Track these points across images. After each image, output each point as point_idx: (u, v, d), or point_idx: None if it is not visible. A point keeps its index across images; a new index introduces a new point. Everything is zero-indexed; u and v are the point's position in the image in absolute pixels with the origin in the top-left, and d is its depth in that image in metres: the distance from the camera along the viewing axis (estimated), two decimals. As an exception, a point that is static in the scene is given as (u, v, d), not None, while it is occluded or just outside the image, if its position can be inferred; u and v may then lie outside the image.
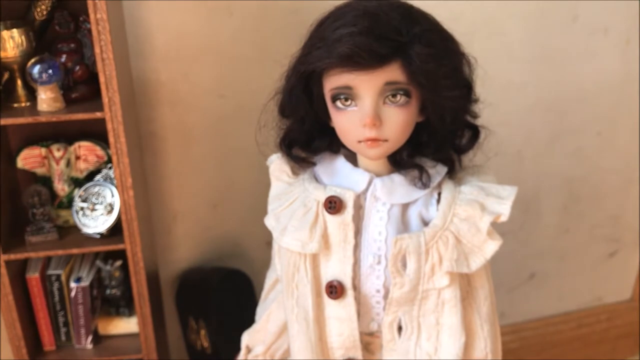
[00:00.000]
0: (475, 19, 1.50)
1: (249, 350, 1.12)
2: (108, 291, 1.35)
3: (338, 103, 0.84)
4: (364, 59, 0.78)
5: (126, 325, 1.38)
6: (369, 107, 0.82)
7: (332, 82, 0.83)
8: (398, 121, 0.83)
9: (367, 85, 0.81)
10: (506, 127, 1.62)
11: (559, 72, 1.61)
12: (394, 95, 0.82)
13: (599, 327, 1.97)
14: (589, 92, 1.66)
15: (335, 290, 0.91)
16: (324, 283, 0.92)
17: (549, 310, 1.93)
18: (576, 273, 1.90)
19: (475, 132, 0.93)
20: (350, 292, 0.91)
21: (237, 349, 1.15)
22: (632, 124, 1.74)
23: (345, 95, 0.83)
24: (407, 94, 0.82)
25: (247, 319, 1.16)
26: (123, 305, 1.37)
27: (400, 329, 0.93)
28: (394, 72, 0.80)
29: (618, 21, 1.59)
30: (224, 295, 1.49)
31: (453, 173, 0.93)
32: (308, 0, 1.21)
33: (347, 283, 0.90)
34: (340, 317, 0.93)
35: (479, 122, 0.94)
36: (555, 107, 1.65)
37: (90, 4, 1.03)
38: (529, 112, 1.64)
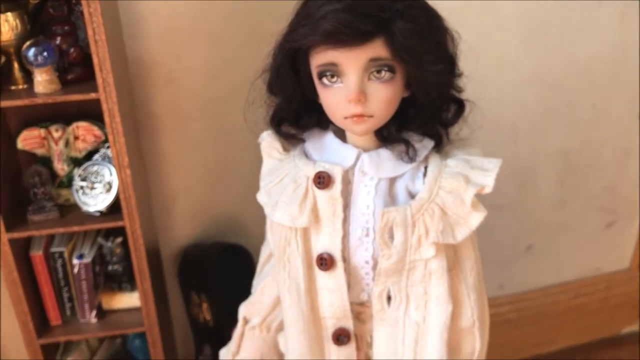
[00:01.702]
0: None
1: (246, 321, 1.14)
2: (110, 267, 1.38)
3: (324, 80, 0.85)
4: (347, 35, 0.79)
5: (129, 299, 1.41)
6: (353, 83, 0.83)
7: (318, 59, 0.84)
8: (383, 97, 0.84)
9: (351, 61, 0.82)
10: (501, 101, 1.64)
11: (553, 46, 1.61)
12: (378, 71, 0.83)
13: (597, 297, 1.99)
14: (584, 65, 1.65)
15: (325, 262, 0.93)
16: (314, 255, 0.94)
17: (547, 281, 1.94)
18: (574, 244, 1.91)
19: (460, 106, 0.93)
20: (340, 264, 0.93)
21: (237, 320, 1.17)
22: (626, 96, 1.74)
23: (331, 72, 0.84)
24: (391, 69, 0.83)
25: (247, 292, 1.18)
26: (125, 280, 1.40)
27: (389, 298, 0.94)
28: (377, 49, 0.81)
29: None
30: (224, 269, 1.52)
31: (440, 147, 0.94)
32: None
33: (337, 255, 0.92)
34: (331, 288, 0.95)
35: (463, 95, 0.94)
36: (549, 80, 1.65)
37: None
38: (524, 86, 1.64)
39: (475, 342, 0.98)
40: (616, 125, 1.77)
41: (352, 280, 0.95)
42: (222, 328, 1.51)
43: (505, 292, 1.91)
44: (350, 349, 0.99)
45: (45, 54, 1.12)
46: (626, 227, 1.95)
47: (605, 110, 1.74)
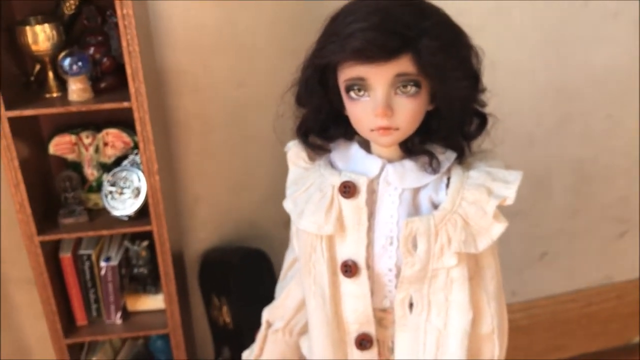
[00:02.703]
0: (485, 4, 1.51)
1: (269, 325, 1.16)
2: (135, 270, 1.42)
3: (352, 93, 0.88)
4: (375, 53, 0.82)
5: (153, 302, 1.44)
6: (380, 98, 0.85)
7: (346, 74, 0.87)
8: (408, 110, 0.87)
9: (378, 77, 0.84)
10: (517, 110, 1.65)
11: (569, 56, 1.62)
12: (404, 86, 0.85)
13: (609, 305, 1.98)
14: (599, 76, 1.66)
15: (349, 269, 0.95)
16: (339, 262, 0.96)
17: (560, 288, 1.94)
18: (586, 252, 1.91)
19: (483, 119, 0.96)
20: (364, 271, 0.95)
21: (257, 324, 1.19)
22: None
23: (358, 86, 0.86)
24: (417, 84, 0.86)
25: (267, 296, 1.20)
26: (150, 283, 1.43)
27: (411, 305, 0.97)
28: (404, 64, 0.84)
29: (628, 5, 1.59)
30: (244, 273, 1.54)
31: (462, 159, 0.96)
32: None
33: (361, 262, 0.95)
34: (355, 294, 0.97)
35: (486, 110, 0.97)
36: (565, 90, 1.66)
37: (117, 2, 1.08)
38: (540, 95, 1.65)
39: (494, 349, 1.01)
40: (631, 135, 1.78)
41: (375, 287, 0.98)
42: (242, 331, 1.53)
43: (518, 299, 1.92)
44: (372, 354, 1.01)
45: (79, 63, 1.16)
46: (638, 238, 1.94)
47: (621, 120, 1.75)
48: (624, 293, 1.99)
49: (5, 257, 1.56)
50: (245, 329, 1.50)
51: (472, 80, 0.91)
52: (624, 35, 1.63)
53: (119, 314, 1.42)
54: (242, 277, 1.54)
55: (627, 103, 1.73)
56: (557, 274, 1.92)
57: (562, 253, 1.90)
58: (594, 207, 1.85)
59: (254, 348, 1.19)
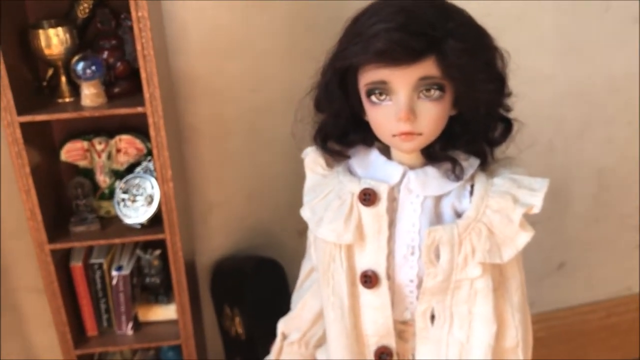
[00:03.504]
0: (507, 11, 1.51)
1: (284, 336, 1.15)
2: (147, 279, 1.41)
3: (373, 97, 0.86)
4: (400, 54, 0.80)
5: (165, 312, 1.43)
6: (403, 102, 0.84)
7: (368, 77, 0.85)
8: (432, 115, 0.85)
9: (401, 80, 0.83)
10: (537, 117, 1.62)
11: (590, 63, 1.63)
12: (428, 90, 0.84)
13: (629, 317, 1.97)
14: (620, 83, 1.66)
15: (369, 279, 0.93)
16: (358, 273, 0.95)
17: (578, 299, 1.94)
18: (605, 263, 1.90)
19: (508, 125, 0.94)
20: (384, 282, 0.93)
21: (271, 335, 1.18)
22: None
23: (380, 89, 0.85)
24: (441, 88, 0.84)
25: (280, 306, 1.19)
26: (162, 293, 1.43)
27: (433, 317, 0.95)
28: (428, 67, 0.82)
29: None
30: (257, 283, 1.53)
31: (485, 165, 0.95)
32: None
33: (381, 273, 0.93)
34: (375, 305, 0.95)
35: (511, 115, 0.95)
36: (586, 97, 1.66)
37: (132, 3, 1.08)
38: (560, 102, 1.65)
39: None
40: None
41: (395, 298, 0.96)
42: (254, 342, 1.52)
43: (536, 310, 1.90)
44: None
45: (93, 67, 1.16)
46: None
47: None
48: None
49: (14, 265, 1.55)
50: (258, 340, 1.50)
51: (497, 83, 0.89)
52: None
53: (130, 325, 1.41)
54: (256, 287, 1.53)
55: None
56: (576, 284, 1.92)
57: (581, 263, 1.89)
58: (613, 216, 1.85)
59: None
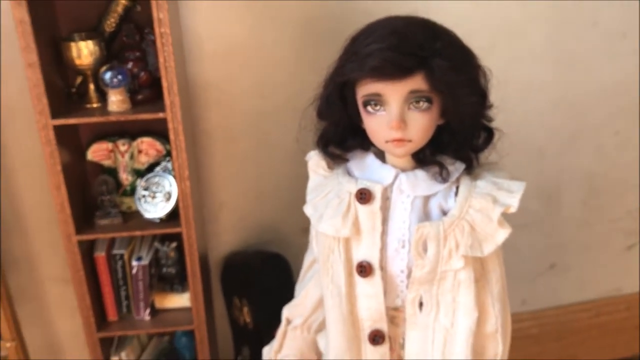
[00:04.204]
0: (501, 25, 1.57)
1: (288, 322, 1.22)
2: (164, 270, 1.49)
3: (369, 108, 0.94)
4: (392, 71, 0.89)
5: (179, 300, 1.51)
6: (395, 112, 0.92)
7: (364, 90, 0.93)
8: (421, 124, 0.93)
9: (393, 93, 0.91)
10: (529, 124, 1.69)
11: (579, 74, 1.67)
12: (417, 102, 0.91)
13: (618, 317, 2.00)
14: (608, 93, 1.70)
15: (364, 269, 1.01)
16: (354, 263, 1.02)
17: (569, 298, 1.97)
18: (595, 264, 1.94)
19: (490, 133, 1.01)
20: (377, 272, 1.01)
21: (276, 324, 1.25)
22: None
23: (375, 101, 0.93)
24: (428, 100, 0.92)
25: (285, 297, 1.25)
26: (177, 282, 1.51)
27: (421, 305, 1.02)
28: (417, 82, 0.90)
29: (636, 27, 1.63)
30: (264, 276, 1.60)
31: (470, 169, 1.02)
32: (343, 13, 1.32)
33: (375, 264, 1.00)
34: (369, 293, 1.03)
35: (495, 124, 1.02)
36: (575, 106, 1.70)
37: (155, 20, 1.17)
38: (551, 111, 1.69)
39: (497, 347, 1.06)
40: (638, 151, 1.81)
41: (388, 287, 1.03)
42: (261, 330, 1.58)
43: (528, 308, 1.94)
44: (384, 349, 1.07)
45: (119, 76, 1.25)
46: None
47: (629, 137, 1.78)
48: (633, 305, 2.01)
49: (40, 257, 1.63)
50: (264, 329, 1.55)
51: (479, 97, 0.97)
52: (632, 55, 1.67)
53: (147, 311, 1.49)
54: (263, 279, 1.60)
55: (634, 120, 1.76)
56: (567, 284, 1.95)
57: (571, 264, 1.93)
58: (603, 220, 1.88)
59: (274, 344, 1.25)
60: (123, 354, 1.55)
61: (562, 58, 1.65)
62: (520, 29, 1.59)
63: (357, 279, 1.03)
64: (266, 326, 1.53)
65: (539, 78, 1.66)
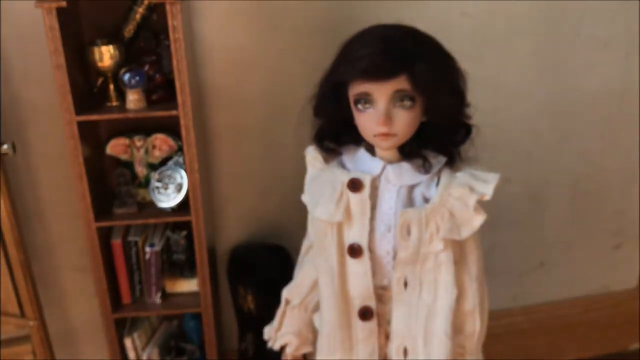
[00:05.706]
0: (490, 35, 1.64)
1: (287, 302, 1.30)
2: (175, 256, 1.59)
3: (359, 105, 1.03)
4: (379, 73, 0.98)
5: (188, 285, 1.60)
6: (382, 109, 1.01)
7: (355, 89, 1.02)
8: (405, 120, 1.02)
9: (381, 92, 1.00)
10: (517, 129, 1.77)
11: (565, 82, 1.75)
12: (401, 100, 1.00)
13: (605, 313, 2.07)
14: (593, 99, 1.78)
15: (355, 251, 1.10)
16: (346, 245, 1.11)
17: (558, 295, 2.04)
18: (583, 262, 2.00)
19: (468, 130, 1.09)
20: (366, 253, 1.09)
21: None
22: (632, 128, 1.85)
23: (365, 99, 1.02)
24: (412, 99, 1.01)
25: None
26: (186, 268, 1.59)
27: (406, 284, 1.10)
28: (401, 83, 0.99)
29: (617, 37, 1.72)
30: (267, 266, 1.68)
31: (452, 162, 1.10)
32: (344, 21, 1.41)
33: (364, 246, 1.09)
34: (359, 272, 1.11)
35: (471, 121, 1.11)
36: (561, 111, 1.78)
37: (170, 27, 1.27)
38: (537, 116, 1.77)
39: (475, 324, 1.15)
40: (623, 153, 1.88)
41: (376, 267, 1.12)
42: (264, 317, 1.61)
43: (518, 304, 2.01)
44: (372, 324, 1.16)
45: (137, 78, 1.36)
46: (633, 249, 2.03)
47: (613, 140, 1.85)
48: (619, 302, 2.08)
49: (59, 247, 1.72)
50: (267, 315, 1.57)
51: (458, 97, 1.05)
52: (613, 64, 1.76)
53: (158, 294, 1.58)
54: (266, 270, 1.68)
55: (618, 124, 1.84)
56: (556, 281, 2.02)
57: (560, 262, 1.99)
58: (590, 220, 1.95)
59: (274, 322, 1.34)
60: (135, 335, 1.64)
61: (547, 66, 1.72)
62: (509, 40, 1.66)
63: (348, 259, 1.12)
64: (269, 312, 1.59)
65: (526, 85, 1.73)
